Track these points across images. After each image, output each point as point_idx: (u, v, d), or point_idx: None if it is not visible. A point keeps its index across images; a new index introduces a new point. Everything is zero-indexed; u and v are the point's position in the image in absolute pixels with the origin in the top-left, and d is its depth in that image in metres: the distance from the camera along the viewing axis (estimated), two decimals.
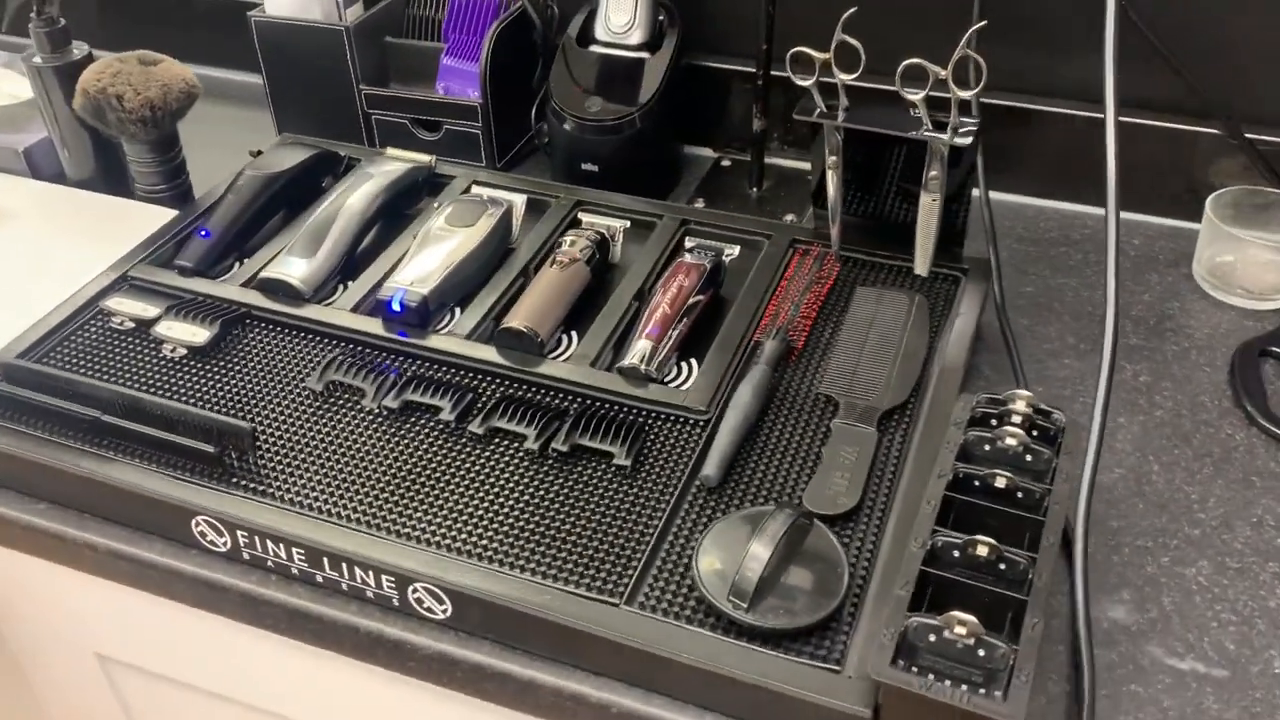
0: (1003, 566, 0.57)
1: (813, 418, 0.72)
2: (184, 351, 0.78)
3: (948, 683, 0.52)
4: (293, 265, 0.83)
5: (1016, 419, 0.65)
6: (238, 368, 0.77)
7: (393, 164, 0.92)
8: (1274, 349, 0.82)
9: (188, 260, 0.85)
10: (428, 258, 0.82)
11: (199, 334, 0.79)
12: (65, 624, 0.80)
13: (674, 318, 0.77)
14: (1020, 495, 0.61)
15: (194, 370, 0.77)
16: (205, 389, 0.75)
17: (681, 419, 0.72)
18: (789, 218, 0.98)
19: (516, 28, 1.03)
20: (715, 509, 0.66)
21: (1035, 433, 0.64)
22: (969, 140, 0.72)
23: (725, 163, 1.07)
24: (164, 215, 0.93)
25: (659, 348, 0.75)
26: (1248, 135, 0.90)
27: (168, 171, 0.95)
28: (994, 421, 0.65)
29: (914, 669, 0.53)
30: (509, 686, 0.62)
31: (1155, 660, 0.61)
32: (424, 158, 0.94)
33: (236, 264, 0.87)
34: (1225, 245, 0.89)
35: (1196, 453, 0.74)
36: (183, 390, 0.75)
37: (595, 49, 0.99)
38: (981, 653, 0.53)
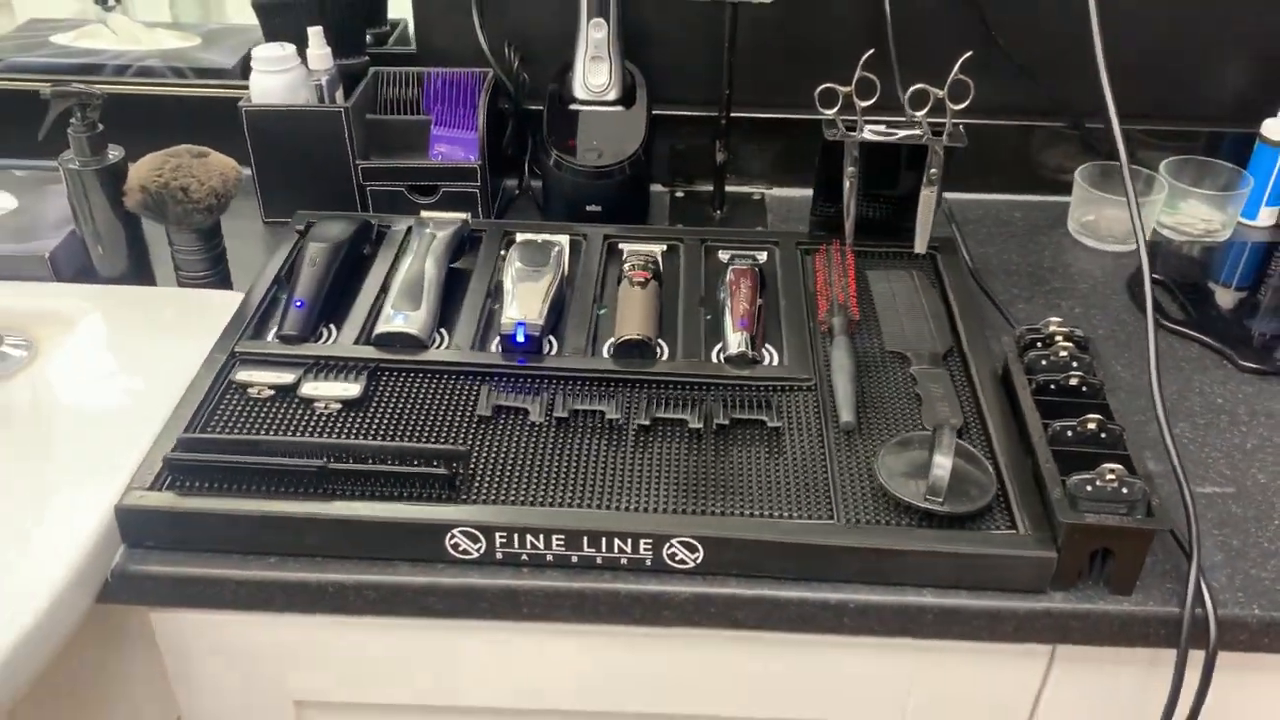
0: (1103, 435, 0.78)
1: (894, 369, 0.91)
2: (338, 406, 0.85)
3: (1113, 515, 0.73)
4: (404, 319, 0.92)
5: (1059, 337, 0.87)
6: (396, 411, 0.85)
7: (438, 226, 1.03)
8: (1154, 275, 1.10)
9: (292, 330, 0.92)
10: (525, 295, 0.93)
11: (350, 388, 0.86)
12: (260, 672, 0.84)
13: (752, 311, 0.93)
14: (1084, 389, 0.83)
15: (355, 421, 0.84)
16: (375, 433, 0.83)
17: (792, 388, 0.89)
18: (758, 229, 1.17)
19: (491, 97, 1.16)
20: (858, 445, 0.83)
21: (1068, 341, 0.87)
22: (962, 144, 0.95)
23: (679, 194, 1.24)
24: (226, 298, 0.97)
25: (752, 335, 0.91)
26: (1087, 125, 1.20)
27: (213, 257, 1.00)
28: (1038, 344, 0.87)
29: (1080, 513, 0.73)
30: (759, 610, 0.76)
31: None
32: (458, 216, 1.05)
33: (325, 329, 0.94)
34: (1089, 207, 1.17)
35: (1139, 355, 1.00)
36: (354, 437, 0.83)
37: (577, 107, 1.14)
38: (1125, 490, 0.73)
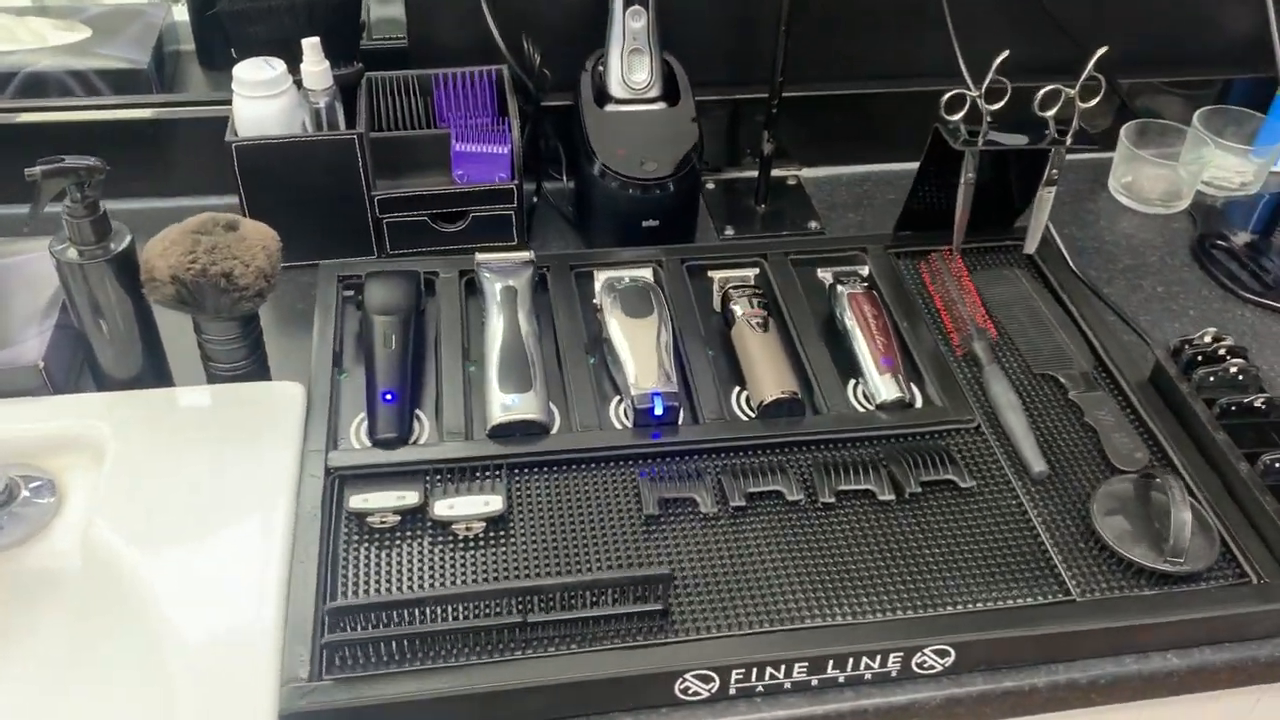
0: None
1: (1050, 395, 0.85)
2: (481, 525, 0.73)
3: None
4: (519, 402, 0.79)
5: (1221, 351, 0.84)
6: (549, 522, 0.74)
7: (506, 271, 0.89)
8: (1213, 241, 1.09)
9: (388, 431, 0.77)
10: (639, 355, 0.82)
11: (490, 502, 0.74)
12: None
13: (891, 344, 0.85)
14: (1264, 406, 0.80)
15: (506, 542, 0.73)
16: (535, 557, 0.72)
17: (957, 430, 0.82)
18: (813, 224, 1.08)
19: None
20: (1053, 494, 0.78)
21: (1228, 354, 0.84)
22: (1094, 146, 0.88)
23: (710, 185, 1.13)
24: (285, 392, 0.81)
25: (899, 375, 0.84)
26: (1120, 80, 1.16)
27: (251, 343, 0.83)
28: (1199, 359, 0.84)
29: None
30: (1009, 699, 0.70)
31: None
32: (523, 256, 0.91)
33: (416, 423, 0.81)
34: (1129, 167, 1.14)
35: (1237, 335, 0.98)
36: (512, 567, 0.71)
37: (616, 108, 1.00)
38: None
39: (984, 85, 0.84)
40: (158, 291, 0.76)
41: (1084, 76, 0.85)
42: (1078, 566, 0.73)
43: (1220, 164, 1.16)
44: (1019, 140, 0.89)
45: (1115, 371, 0.87)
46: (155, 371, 0.83)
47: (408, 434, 0.78)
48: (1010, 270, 0.96)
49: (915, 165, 0.93)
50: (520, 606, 0.66)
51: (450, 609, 0.67)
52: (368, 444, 0.78)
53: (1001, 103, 0.86)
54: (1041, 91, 0.85)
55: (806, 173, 1.16)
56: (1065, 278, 0.95)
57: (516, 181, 0.98)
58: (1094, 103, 0.87)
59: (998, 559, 0.73)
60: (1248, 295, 1.02)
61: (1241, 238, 1.11)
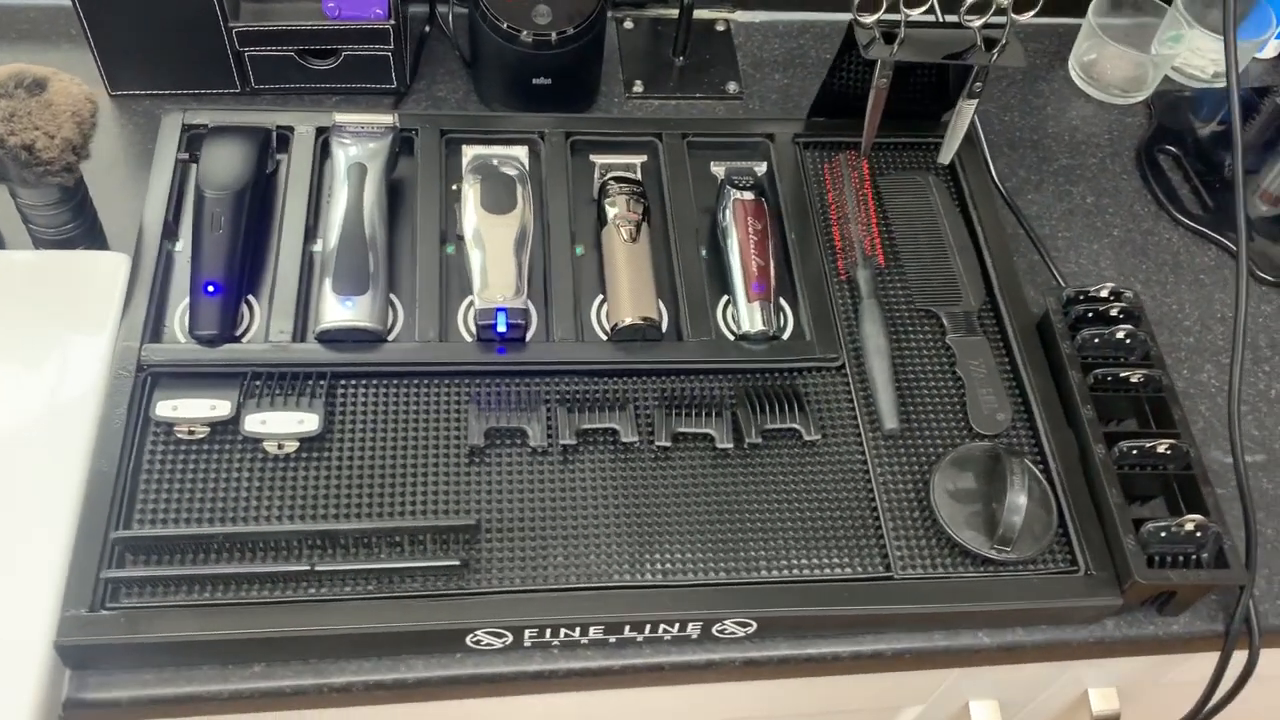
0: (1170, 453, 0.72)
1: (928, 338, 0.80)
2: (294, 445, 0.70)
3: (1185, 568, 0.69)
4: (350, 305, 0.74)
5: (1113, 311, 0.78)
6: (368, 445, 0.71)
7: (361, 139, 0.81)
8: (1162, 144, 1.00)
9: (208, 328, 0.73)
10: (494, 259, 0.76)
11: (306, 419, 0.70)
12: None
13: (767, 268, 0.79)
14: (1140, 380, 0.76)
15: (320, 464, 0.70)
16: (350, 484, 0.69)
17: (820, 368, 0.78)
18: (731, 86, 0.98)
19: None
20: (901, 453, 0.75)
21: (1121, 314, 0.78)
22: (1020, 62, 0.78)
23: (628, 25, 1.02)
24: (108, 263, 0.76)
25: (769, 304, 0.78)
26: None
27: (76, 207, 0.76)
28: (1088, 314, 0.78)
29: (1147, 559, 0.69)
30: (811, 665, 0.70)
31: (1215, 460, 0.81)
32: (384, 118, 0.83)
33: (247, 309, 0.76)
34: (1092, 44, 1.03)
35: (1156, 264, 0.92)
36: (325, 494, 0.69)
37: None
38: (1199, 534, 0.69)
39: None
40: None
41: None
42: (906, 541, 0.71)
43: (1195, 46, 1.05)
44: (935, 52, 0.78)
45: (1004, 312, 0.81)
46: None
47: (232, 329, 0.74)
48: (923, 176, 0.88)
49: None
50: (310, 552, 0.65)
51: (240, 548, 0.65)
52: (187, 339, 0.74)
53: (924, 7, 0.75)
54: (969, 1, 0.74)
55: (740, 16, 1.05)
56: (981, 189, 0.88)
57: (393, 22, 0.88)
58: (1029, 15, 0.76)
59: (826, 524, 0.71)
60: (1180, 217, 0.94)
61: (1204, 131, 1.01)
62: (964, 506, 0.71)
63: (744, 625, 0.68)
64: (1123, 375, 0.75)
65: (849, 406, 0.76)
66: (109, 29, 0.86)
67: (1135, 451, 0.72)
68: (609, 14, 1.02)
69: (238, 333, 0.74)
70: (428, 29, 0.99)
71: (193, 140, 0.82)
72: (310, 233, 0.79)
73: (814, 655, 0.70)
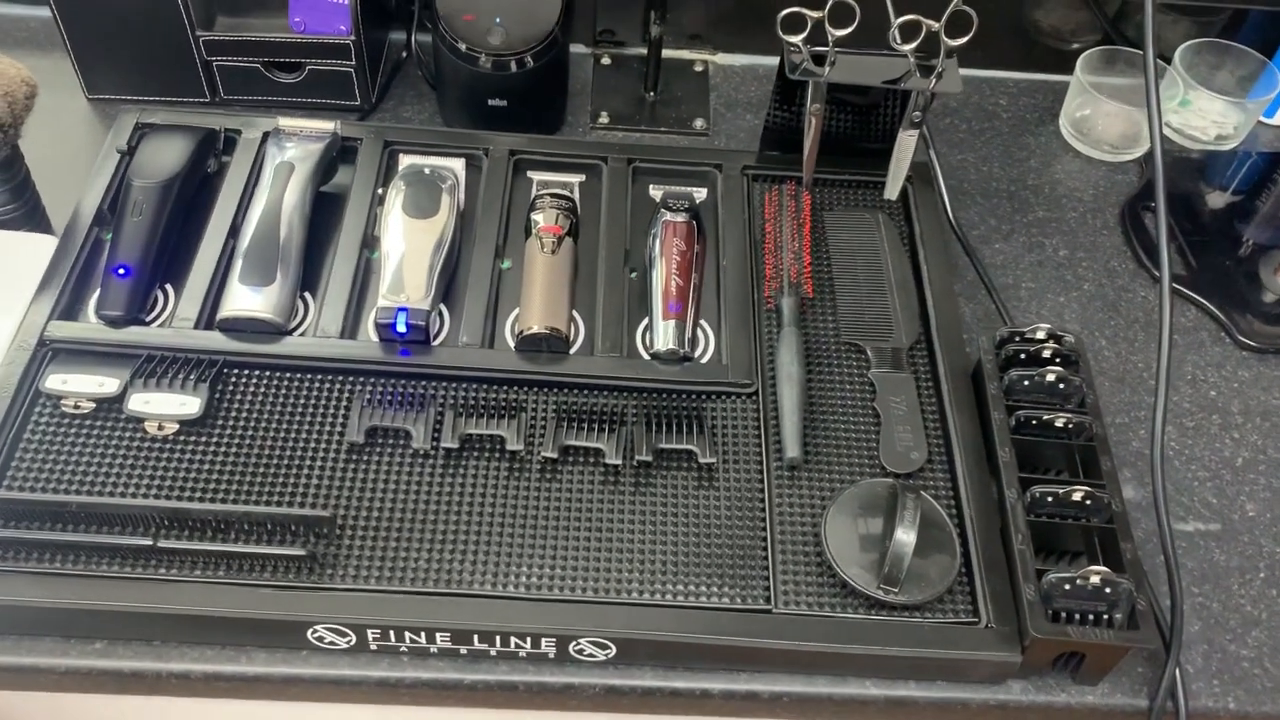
0: (1089, 503, 0.67)
1: (849, 371, 0.76)
2: (175, 427, 0.70)
3: (1092, 625, 0.62)
4: (254, 295, 0.74)
5: (1047, 353, 0.73)
6: (247, 434, 0.70)
7: (299, 142, 0.82)
8: (1149, 202, 0.95)
9: (114, 309, 0.73)
10: (408, 262, 0.76)
11: (188, 403, 0.70)
12: None
13: (686, 288, 0.77)
14: (1070, 427, 0.70)
15: (196, 448, 0.69)
16: (222, 470, 0.68)
17: (730, 393, 0.74)
18: (698, 122, 0.98)
19: None
20: (803, 484, 0.70)
21: (1056, 357, 0.74)
22: (956, 88, 0.76)
23: (606, 61, 1.03)
24: (34, 245, 0.78)
25: (684, 324, 0.76)
26: None
27: (14, 189, 0.79)
28: (1022, 356, 0.74)
29: (1051, 614, 0.63)
30: (679, 701, 0.66)
31: (1176, 530, 0.74)
32: (326, 125, 0.84)
33: (162, 295, 0.76)
34: (1085, 100, 0.99)
35: (1127, 320, 0.87)
36: (195, 478, 0.68)
37: None
38: (1108, 590, 0.63)
39: (828, 6, 0.72)
40: None
41: (951, 6, 0.71)
42: (793, 574, 0.66)
43: (1200, 108, 1.00)
44: (869, 76, 0.76)
45: (937, 352, 0.77)
46: None
47: (138, 313, 0.74)
48: (872, 214, 0.85)
49: None
50: (160, 531, 0.63)
51: (94, 521, 0.64)
52: (99, 322, 0.74)
53: (850, 27, 0.73)
54: (898, 21, 0.72)
55: (720, 58, 1.04)
56: (932, 230, 0.84)
57: (353, 37, 0.90)
58: (963, 41, 0.73)
59: (710, 551, 0.67)
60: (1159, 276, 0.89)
61: (1198, 193, 0.96)
62: (858, 544, 0.66)
63: (602, 647, 0.64)
64: (1046, 418, 0.70)
65: (756, 434, 0.73)
66: (86, 35, 0.89)
67: (1050, 499, 0.67)
68: (588, 49, 1.03)
69: (146, 318, 0.75)
70: (405, 55, 1.00)
71: (142, 137, 0.84)
72: (235, 230, 0.80)
73: (680, 689, 0.65)
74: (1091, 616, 0.63)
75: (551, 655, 0.64)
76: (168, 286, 0.77)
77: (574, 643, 0.63)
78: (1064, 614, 0.63)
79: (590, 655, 0.64)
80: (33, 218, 0.81)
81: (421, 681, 0.64)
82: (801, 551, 0.67)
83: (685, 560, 0.67)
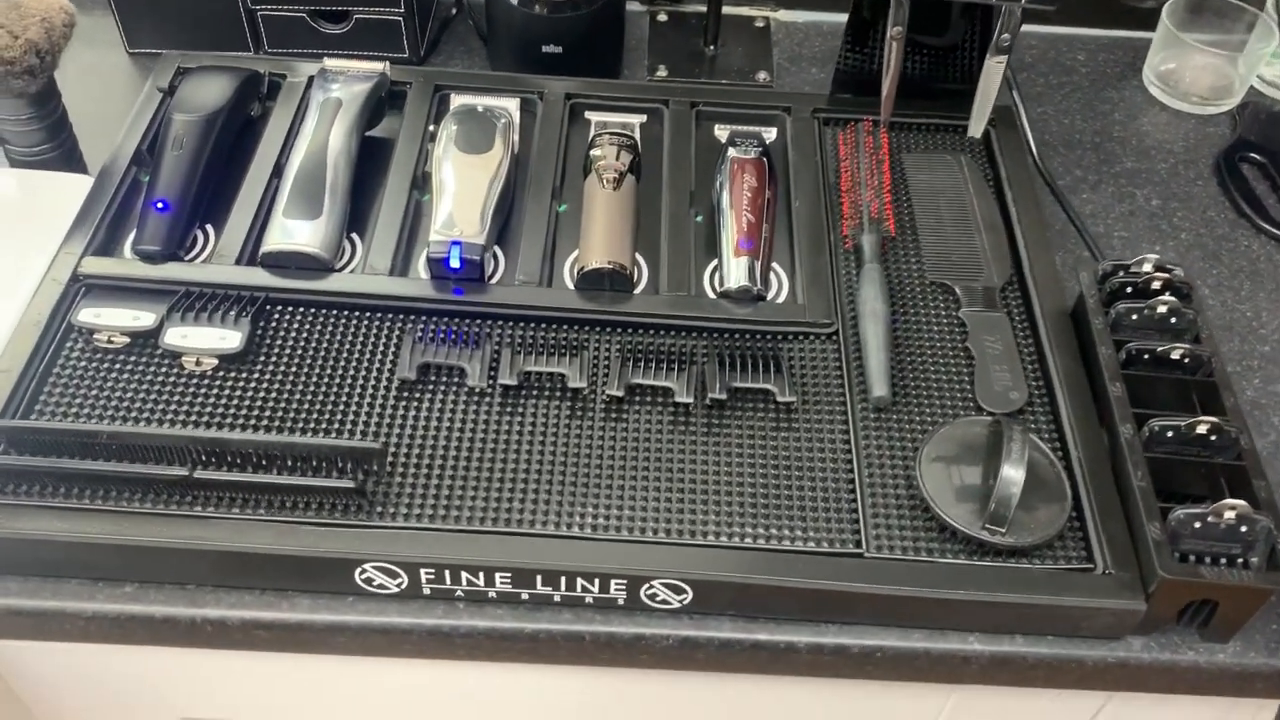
0: (1214, 438, 0.60)
1: (938, 308, 0.71)
2: (213, 363, 0.65)
3: (1228, 565, 0.56)
4: (300, 230, 0.69)
5: (1157, 284, 0.67)
6: (291, 371, 0.65)
7: (346, 81, 0.78)
8: (1246, 153, 0.89)
9: (153, 243, 0.69)
10: (461, 198, 0.71)
11: (228, 336, 0.65)
12: (140, 701, 0.69)
13: (759, 225, 0.72)
14: (1187, 360, 0.64)
15: (236, 384, 0.64)
16: (264, 406, 0.63)
17: (808, 334, 0.69)
18: (761, 75, 0.93)
19: None
20: (891, 425, 0.65)
21: (1165, 289, 0.67)
22: (1050, 6, 0.70)
23: (662, 17, 0.98)
24: (69, 185, 0.74)
25: (757, 261, 0.70)
26: None
27: (50, 127, 0.75)
28: (1128, 290, 0.68)
29: (1179, 555, 0.56)
30: (760, 656, 0.60)
31: None
32: (373, 67, 0.80)
33: (202, 235, 0.72)
34: (1171, 53, 0.93)
35: (1230, 270, 0.80)
36: (235, 413, 0.63)
37: None
38: (1244, 529, 0.56)
39: None
40: None
41: None
42: (884, 517, 0.60)
43: None
44: None
45: (1031, 291, 0.71)
46: None
47: (177, 249, 0.70)
48: (953, 156, 0.80)
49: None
50: (193, 461, 0.58)
51: (126, 454, 0.59)
52: (135, 258, 0.70)
53: None
54: None
55: (782, 14, 1.00)
56: (1017, 171, 0.78)
57: None
58: None
59: (791, 492, 0.61)
60: (1265, 225, 0.83)
61: None
62: (956, 483, 0.60)
63: (677, 592, 0.58)
64: (1160, 351, 0.64)
65: (837, 374, 0.67)
66: None
67: (1170, 434, 0.60)
68: (644, 7, 0.99)
69: (185, 256, 0.71)
70: (454, 11, 0.97)
71: (184, 78, 0.81)
72: (279, 170, 0.75)
73: (762, 642, 0.59)
74: (1224, 560, 0.57)
75: (621, 601, 0.58)
76: (208, 227, 0.73)
77: (646, 585, 0.57)
78: (1192, 556, 0.57)
79: (664, 602, 0.58)
80: (69, 160, 0.77)
81: (478, 631, 0.59)
82: (893, 494, 0.61)
83: (765, 502, 0.61)
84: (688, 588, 0.57)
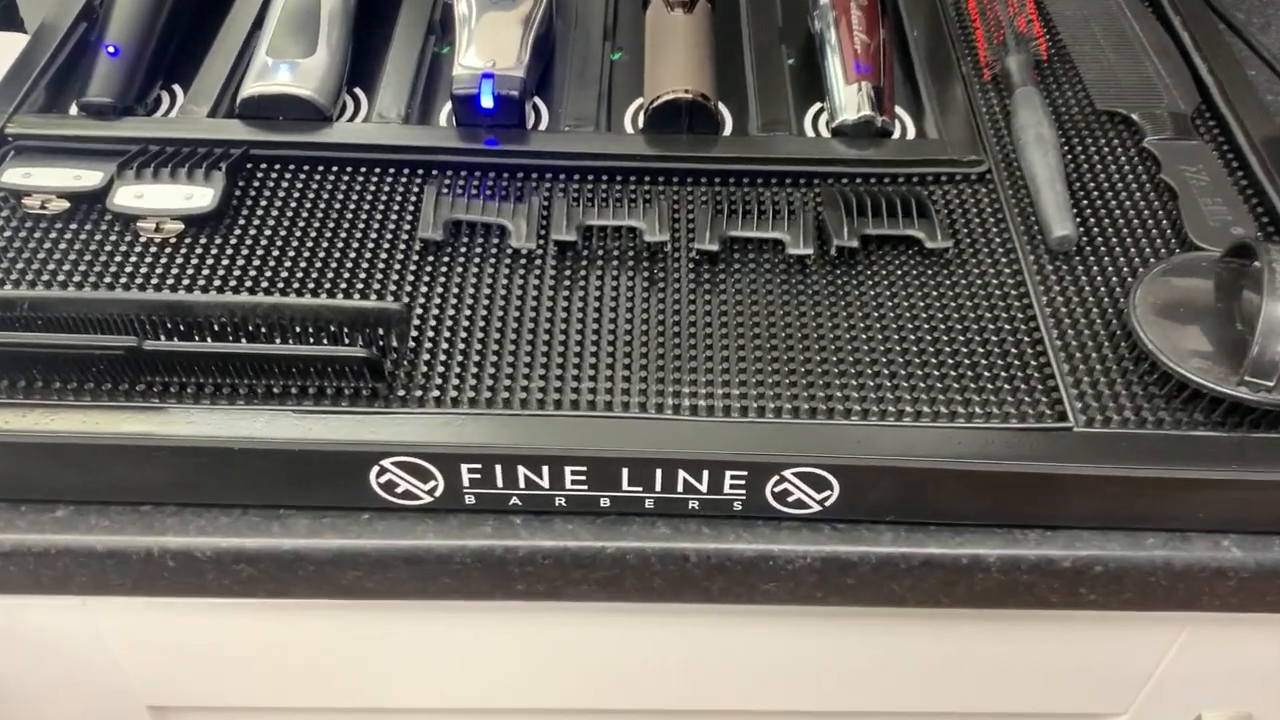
0: None
1: (1115, 141, 0.55)
2: (178, 228, 0.49)
3: None
4: (289, 72, 0.54)
5: None
6: (277, 235, 0.49)
7: None
8: None
9: (102, 94, 0.54)
10: (490, 28, 0.56)
11: (197, 194, 0.50)
12: (92, 670, 0.52)
13: (876, 45, 0.56)
14: None
15: (207, 252, 0.49)
16: (244, 272, 0.48)
17: (953, 177, 0.53)
18: None
19: None
20: (1079, 272, 0.48)
21: None
22: None
23: None
24: (9, 42, 0.59)
25: (880, 89, 0.55)
26: None
27: None
28: None
29: None
30: (932, 578, 0.43)
31: None
32: None
33: (168, 96, 0.57)
34: None
35: None
36: (206, 283, 0.47)
37: None
38: None
39: None
40: None
41: None
42: (1091, 379, 0.44)
43: None
44: None
45: (1228, 116, 0.55)
46: None
47: (133, 103, 0.55)
48: None
49: None
50: (145, 324, 0.43)
51: (54, 325, 0.43)
52: (81, 115, 0.55)
53: None
54: None
55: None
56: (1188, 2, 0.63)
57: None
58: None
59: (959, 356, 0.45)
60: None
61: None
62: (1189, 331, 0.44)
63: (818, 486, 0.41)
64: None
65: (999, 218, 0.51)
66: None
67: None
68: None
69: (150, 113, 0.55)
70: None
71: None
72: (260, 22, 0.60)
73: (937, 557, 0.42)
74: None
75: (739, 505, 0.42)
76: (174, 87, 0.58)
77: (774, 479, 0.41)
78: None
79: (798, 502, 0.42)
80: (10, 17, 0.63)
81: (542, 554, 0.42)
82: (1096, 350, 0.45)
83: (924, 371, 0.44)
84: (833, 479, 0.41)
